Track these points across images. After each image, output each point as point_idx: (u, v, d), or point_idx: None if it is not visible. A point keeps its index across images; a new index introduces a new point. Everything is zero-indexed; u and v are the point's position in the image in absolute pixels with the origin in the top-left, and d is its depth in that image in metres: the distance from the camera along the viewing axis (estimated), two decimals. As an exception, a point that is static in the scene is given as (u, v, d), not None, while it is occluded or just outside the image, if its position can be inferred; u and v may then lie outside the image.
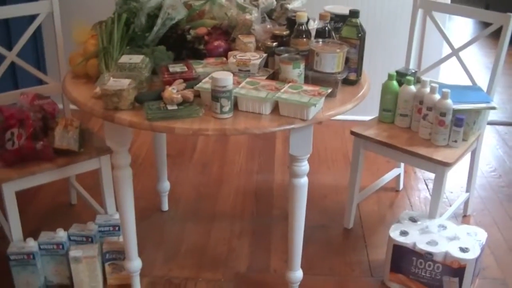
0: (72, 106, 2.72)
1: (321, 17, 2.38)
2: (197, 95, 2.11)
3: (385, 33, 4.07)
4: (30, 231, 2.69)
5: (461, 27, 6.99)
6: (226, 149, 3.91)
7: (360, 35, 2.33)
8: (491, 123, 4.33)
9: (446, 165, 2.60)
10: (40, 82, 3.01)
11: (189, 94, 2.06)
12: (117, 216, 2.67)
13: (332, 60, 2.21)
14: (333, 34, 2.39)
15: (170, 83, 2.12)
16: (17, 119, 2.47)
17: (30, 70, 2.89)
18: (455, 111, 2.66)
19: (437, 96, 2.68)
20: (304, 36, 2.31)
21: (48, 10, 2.81)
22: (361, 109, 3.99)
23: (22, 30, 2.83)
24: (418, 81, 2.87)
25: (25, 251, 2.48)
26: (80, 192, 3.04)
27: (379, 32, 4.07)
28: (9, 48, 2.82)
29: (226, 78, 1.98)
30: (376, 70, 4.06)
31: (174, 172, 3.58)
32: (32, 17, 2.84)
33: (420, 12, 3.06)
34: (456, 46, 3.01)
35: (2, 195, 2.46)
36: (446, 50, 3.24)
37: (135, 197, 2.43)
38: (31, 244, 2.50)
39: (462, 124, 2.67)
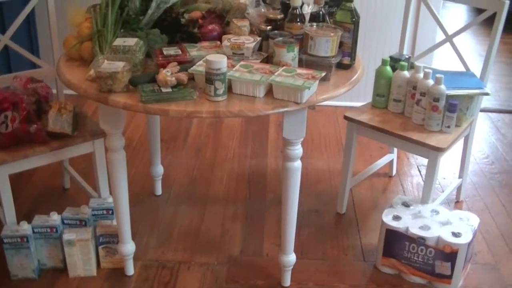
0: (66, 91, 2.72)
1: (316, 1, 2.38)
2: (191, 78, 2.11)
3: (379, 18, 4.07)
4: (24, 215, 2.70)
5: (455, 15, 6.99)
6: (219, 133, 3.92)
7: (354, 19, 2.32)
8: (484, 110, 4.34)
9: (439, 150, 2.61)
10: (34, 66, 2.99)
11: (183, 76, 2.06)
12: (110, 200, 2.68)
13: (326, 44, 2.21)
14: (327, 19, 2.39)
15: (164, 66, 2.12)
16: (10, 102, 2.46)
17: (23, 54, 2.88)
18: (449, 97, 2.66)
19: (430, 82, 2.68)
20: (298, 20, 2.31)
21: (42, -7, 2.80)
22: (354, 95, 4.02)
23: (15, 13, 2.81)
24: (411, 66, 2.88)
25: (19, 234, 2.48)
26: (73, 176, 3.04)
27: (373, 18, 4.07)
28: (2, 32, 2.80)
29: (220, 61, 1.98)
30: (370, 55, 4.08)
31: (168, 157, 3.58)
32: (25, 0, 2.82)
33: (414, -3, 3.07)
34: (450, 33, 3.01)
35: (-5, 178, 2.46)
36: (440, 37, 3.24)
37: (129, 182, 2.44)
38: (25, 227, 2.50)
39: (455, 109, 2.67)
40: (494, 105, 4.54)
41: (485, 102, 4.36)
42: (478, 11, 2.90)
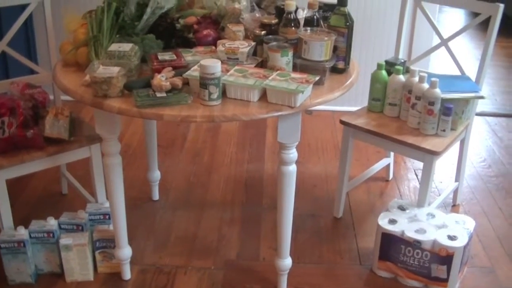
0: (63, 96, 2.73)
1: (310, 6, 2.39)
2: (186, 83, 2.12)
3: (375, 22, 4.08)
4: (21, 220, 2.70)
5: (453, 19, 7.01)
6: (216, 138, 3.92)
7: (348, 24, 2.34)
8: (481, 114, 4.35)
9: (435, 153, 2.61)
10: (31, 72, 3.00)
11: (178, 81, 2.07)
12: (107, 205, 2.68)
13: (320, 48, 2.22)
14: (322, 23, 2.40)
15: (159, 71, 2.13)
16: (7, 108, 2.47)
17: (21, 60, 2.89)
18: (444, 100, 2.67)
19: (425, 85, 2.69)
20: (292, 25, 2.32)
21: (39, -1, 2.81)
22: (351, 100, 4.04)
23: (13, 20, 2.83)
24: (407, 70, 2.89)
25: (16, 239, 2.49)
26: (71, 181, 3.05)
27: (369, 22, 4.08)
28: (0, 38, 2.81)
29: (215, 65, 1.99)
30: (366, 59, 4.08)
31: (165, 162, 3.59)
32: (23, 7, 2.83)
33: (410, 1, 3.07)
34: (446, 37, 3.02)
35: (-8, 183, 2.47)
36: (436, 41, 3.25)
37: (126, 187, 2.45)
38: (22, 232, 2.51)
39: (451, 113, 2.68)
40: (491, 109, 4.55)
41: (482, 106, 4.37)
42: (476, 15, 2.91)
